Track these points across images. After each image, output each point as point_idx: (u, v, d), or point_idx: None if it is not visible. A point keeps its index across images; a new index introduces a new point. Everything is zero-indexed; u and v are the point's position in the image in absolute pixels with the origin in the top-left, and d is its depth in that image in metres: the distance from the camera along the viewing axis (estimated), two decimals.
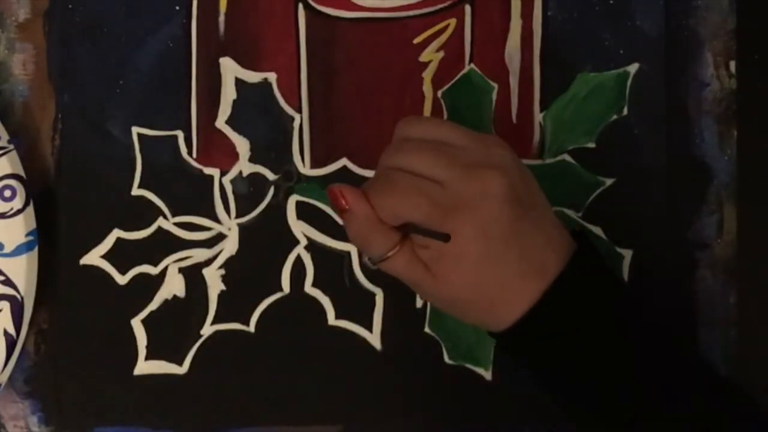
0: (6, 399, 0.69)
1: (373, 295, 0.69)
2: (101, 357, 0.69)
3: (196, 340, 0.69)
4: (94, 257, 0.69)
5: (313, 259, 0.69)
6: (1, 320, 0.67)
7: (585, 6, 0.69)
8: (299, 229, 0.69)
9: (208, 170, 0.69)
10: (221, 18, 0.69)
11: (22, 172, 0.67)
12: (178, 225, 0.69)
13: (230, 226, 0.69)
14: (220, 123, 0.69)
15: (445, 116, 0.69)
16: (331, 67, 0.69)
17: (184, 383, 0.69)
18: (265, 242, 0.69)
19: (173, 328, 0.69)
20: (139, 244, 0.69)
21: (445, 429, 0.69)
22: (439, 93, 0.69)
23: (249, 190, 0.69)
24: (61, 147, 0.69)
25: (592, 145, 0.69)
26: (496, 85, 0.69)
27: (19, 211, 0.67)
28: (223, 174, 0.69)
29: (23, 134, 0.69)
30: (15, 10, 0.69)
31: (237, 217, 0.69)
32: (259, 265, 0.69)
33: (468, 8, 0.69)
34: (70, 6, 0.69)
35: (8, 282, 0.67)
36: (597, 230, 0.69)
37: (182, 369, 0.69)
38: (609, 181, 0.69)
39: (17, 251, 0.67)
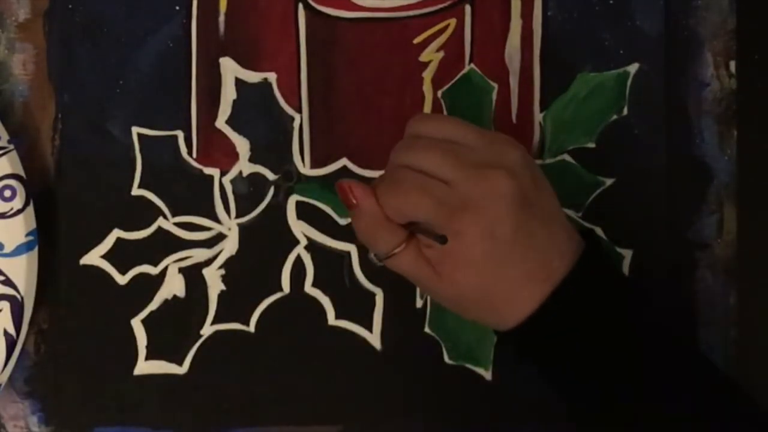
0: (6, 399, 0.69)
1: (373, 295, 0.69)
2: (101, 357, 0.69)
3: (196, 340, 0.69)
4: (94, 257, 0.69)
5: (313, 259, 0.69)
6: (1, 320, 0.67)
7: (585, 6, 0.69)
8: (299, 229, 0.69)
9: (208, 170, 0.69)
10: (221, 18, 0.69)
11: (22, 172, 0.67)
12: (178, 225, 0.69)
13: (230, 226, 0.69)
14: (220, 123, 0.69)
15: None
16: (331, 67, 0.69)
17: (184, 383, 0.69)
18: (265, 242, 0.69)
19: (173, 328, 0.69)
20: (139, 244, 0.69)
21: (445, 429, 0.69)
22: (439, 93, 0.69)
23: (249, 190, 0.69)
24: (61, 147, 0.69)
25: (592, 145, 0.69)
26: (496, 85, 0.69)
27: (19, 211, 0.67)
28: (223, 174, 0.69)
29: (23, 134, 0.69)
30: (15, 10, 0.69)
31: (237, 217, 0.69)
32: (259, 265, 0.69)
33: (468, 8, 0.69)
34: (70, 6, 0.69)
35: (8, 282, 0.67)
36: (597, 230, 0.69)
37: (182, 369, 0.69)
38: (609, 181, 0.69)
39: (17, 251, 0.67)
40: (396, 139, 0.66)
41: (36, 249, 0.67)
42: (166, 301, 0.69)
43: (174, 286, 0.69)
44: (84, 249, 0.69)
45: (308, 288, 0.69)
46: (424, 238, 0.58)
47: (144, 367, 0.69)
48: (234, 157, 0.69)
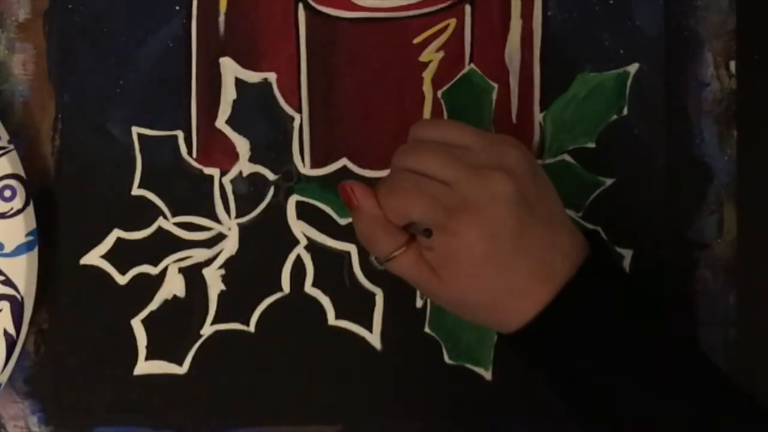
0: (6, 399, 0.69)
1: (373, 295, 0.69)
2: (101, 357, 0.69)
3: (196, 340, 0.69)
4: (94, 257, 0.69)
5: (313, 259, 0.69)
6: (1, 320, 0.67)
7: (585, 6, 0.69)
8: (299, 229, 0.69)
9: (208, 170, 0.69)
10: (221, 18, 0.69)
11: (22, 172, 0.67)
12: (178, 225, 0.69)
13: (230, 226, 0.69)
14: (220, 123, 0.69)
15: (445, 116, 0.69)
16: (331, 67, 0.69)
17: (184, 383, 0.69)
18: (265, 242, 0.69)
19: (173, 328, 0.69)
20: (139, 244, 0.69)
21: (445, 429, 0.69)
22: (439, 93, 0.69)
23: (249, 190, 0.69)
24: (61, 147, 0.69)
25: (592, 145, 0.69)
26: (496, 85, 0.69)
27: (19, 211, 0.67)
28: (223, 174, 0.69)
29: (23, 134, 0.69)
30: (15, 10, 0.69)
31: (237, 217, 0.69)
32: (259, 265, 0.69)
33: (468, 8, 0.69)
34: (70, 6, 0.69)
35: (8, 282, 0.67)
36: (597, 230, 0.69)
37: (182, 369, 0.69)
38: (609, 181, 0.69)
39: (17, 251, 0.67)
40: (396, 139, 0.67)
41: (36, 249, 0.67)
42: (166, 301, 0.69)
43: (174, 286, 0.69)
44: (84, 249, 0.69)
45: (308, 288, 0.69)
46: (426, 241, 0.58)
47: (144, 367, 0.69)
48: (234, 157, 0.69)
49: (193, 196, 0.69)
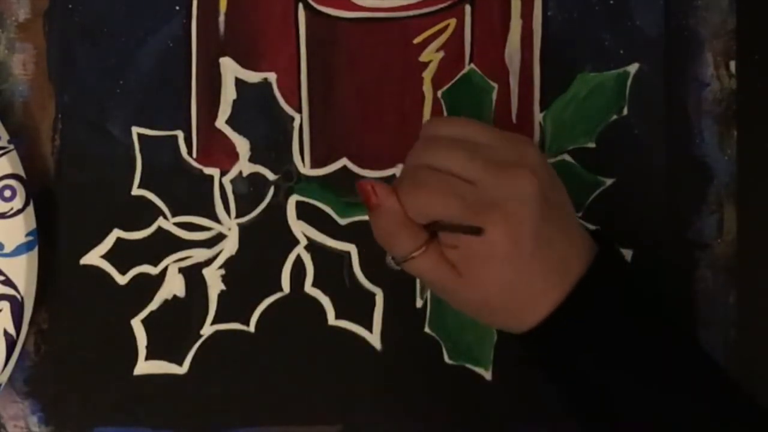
0: (6, 399, 0.69)
1: (373, 295, 0.69)
2: (101, 357, 0.69)
3: (196, 340, 0.69)
4: (94, 257, 0.69)
5: (313, 259, 0.69)
6: (1, 320, 0.67)
7: (585, 6, 0.69)
8: (299, 229, 0.69)
9: (208, 170, 0.69)
10: (221, 18, 0.69)
11: (22, 172, 0.67)
12: (178, 225, 0.69)
13: (230, 226, 0.69)
14: (220, 123, 0.69)
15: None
16: (331, 67, 0.69)
17: (184, 383, 0.69)
18: (265, 242, 0.69)
19: (173, 328, 0.69)
20: (139, 244, 0.69)
21: (445, 429, 0.69)
22: (439, 93, 0.69)
23: (249, 190, 0.69)
24: (61, 147, 0.69)
25: (592, 145, 0.69)
26: (496, 85, 0.69)
27: (19, 211, 0.67)
28: (223, 174, 0.69)
29: (23, 134, 0.69)
30: (15, 10, 0.69)
31: (237, 217, 0.69)
32: (259, 265, 0.69)
33: (468, 8, 0.69)
34: (70, 6, 0.69)
35: (8, 282, 0.67)
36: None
37: (182, 369, 0.69)
38: (609, 181, 0.69)
39: (17, 251, 0.67)
40: (396, 139, 0.67)
41: (36, 249, 0.67)
42: (166, 301, 0.69)
43: (174, 286, 0.69)
44: (84, 249, 0.69)
45: (308, 288, 0.69)
46: (450, 239, 0.57)
47: (144, 367, 0.69)
48: (234, 157, 0.69)
49: (193, 196, 0.69)
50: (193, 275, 0.69)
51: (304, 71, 0.69)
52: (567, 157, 0.69)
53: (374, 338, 0.69)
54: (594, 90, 0.69)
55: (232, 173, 0.69)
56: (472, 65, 0.69)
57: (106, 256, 0.69)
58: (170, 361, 0.69)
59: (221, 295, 0.69)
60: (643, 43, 0.69)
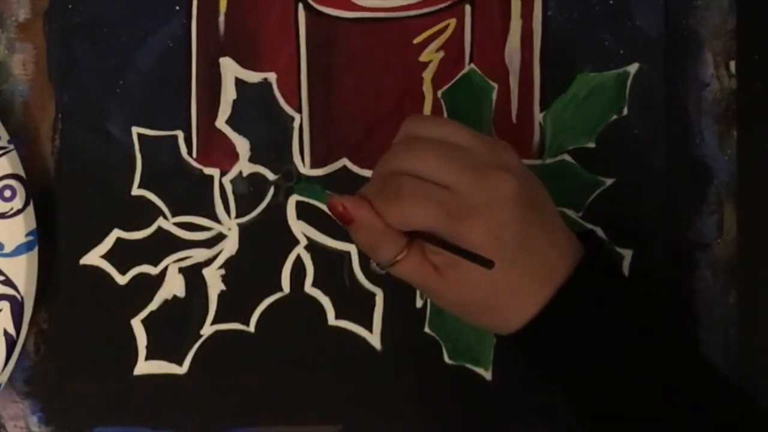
0: (6, 399, 0.69)
1: (373, 295, 0.69)
2: (101, 357, 0.69)
3: (196, 340, 0.69)
4: (94, 257, 0.69)
5: (313, 259, 0.69)
6: (1, 320, 0.67)
7: (585, 6, 0.69)
8: (299, 229, 0.69)
9: (208, 170, 0.69)
10: (221, 18, 0.69)
11: (22, 172, 0.67)
12: (178, 225, 0.69)
13: (230, 226, 0.69)
14: (220, 123, 0.69)
15: (445, 116, 0.69)
16: (331, 67, 0.69)
17: (184, 383, 0.69)
18: (265, 242, 0.69)
19: (173, 328, 0.69)
20: (139, 244, 0.69)
21: (445, 429, 0.69)
22: (439, 93, 0.69)
23: (249, 190, 0.69)
24: (61, 147, 0.69)
25: (592, 145, 0.69)
26: (496, 85, 0.69)
27: (19, 211, 0.67)
28: (223, 174, 0.69)
29: (23, 134, 0.69)
30: (15, 10, 0.69)
31: (237, 217, 0.69)
32: (259, 265, 0.69)
33: (468, 8, 0.69)
34: (70, 6, 0.69)
35: (8, 282, 0.67)
36: (597, 230, 0.69)
37: (182, 369, 0.69)
38: (609, 181, 0.69)
39: (17, 251, 0.67)
40: None
41: (36, 249, 0.67)
42: (166, 301, 0.69)
43: (174, 286, 0.69)
44: (84, 249, 0.69)
45: (308, 288, 0.69)
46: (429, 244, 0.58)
47: (144, 367, 0.69)
48: (234, 157, 0.69)
49: (193, 196, 0.69)
50: (193, 275, 0.69)
51: (304, 71, 0.69)
52: (567, 157, 0.69)
53: (374, 338, 0.69)
54: (594, 90, 0.69)
55: (232, 173, 0.69)
56: (472, 65, 0.69)
57: (106, 256, 0.69)
58: (170, 361, 0.69)
59: (221, 295, 0.69)
60: (643, 43, 0.69)
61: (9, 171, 0.67)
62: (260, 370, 0.69)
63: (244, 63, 0.69)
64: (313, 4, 0.69)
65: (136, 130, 0.69)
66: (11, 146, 0.67)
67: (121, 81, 0.69)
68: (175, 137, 0.69)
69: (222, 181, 0.69)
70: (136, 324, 0.69)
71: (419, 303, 0.69)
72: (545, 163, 0.69)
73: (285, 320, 0.69)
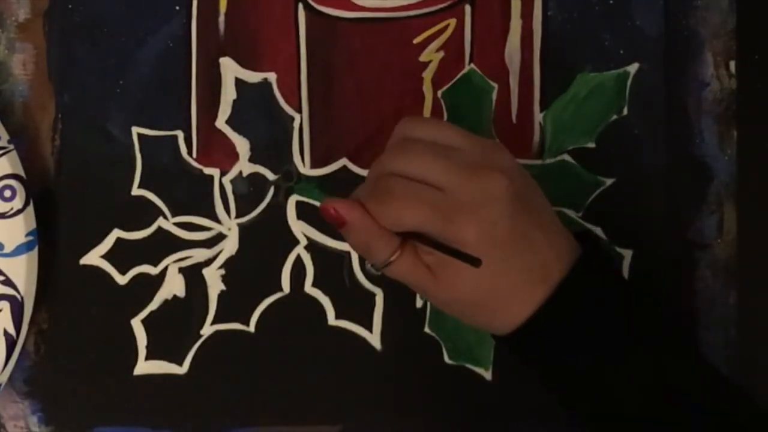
0: (6, 399, 0.69)
1: (373, 295, 0.69)
2: (101, 357, 0.69)
3: (196, 340, 0.69)
4: (94, 257, 0.69)
5: (313, 259, 0.69)
6: (1, 320, 0.67)
7: (585, 6, 0.69)
8: (299, 229, 0.69)
9: (208, 170, 0.69)
10: (221, 18, 0.69)
11: (22, 172, 0.67)
12: (178, 225, 0.69)
13: (230, 226, 0.69)
14: (220, 123, 0.69)
15: (445, 116, 0.69)
16: (331, 67, 0.69)
17: (184, 383, 0.69)
18: (265, 242, 0.69)
19: (173, 328, 0.69)
20: (139, 244, 0.69)
21: (445, 429, 0.69)
22: (439, 93, 0.69)
23: (249, 190, 0.69)
24: (61, 147, 0.69)
25: (592, 145, 0.69)
26: (496, 85, 0.69)
27: (19, 211, 0.67)
28: (223, 174, 0.69)
29: (23, 134, 0.69)
30: (15, 10, 0.69)
31: (237, 217, 0.69)
32: (259, 265, 0.69)
33: (468, 8, 0.69)
34: (70, 6, 0.69)
35: (8, 282, 0.67)
36: (597, 230, 0.69)
37: (182, 369, 0.69)
38: (609, 181, 0.69)
39: (17, 251, 0.67)
40: None
41: (36, 249, 0.67)
42: (166, 301, 0.69)
43: (174, 286, 0.69)
44: (84, 249, 0.69)
45: (308, 288, 0.69)
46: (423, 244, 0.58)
47: (144, 367, 0.69)
48: (234, 157, 0.69)
49: (193, 196, 0.69)
50: (193, 275, 0.69)
51: (304, 71, 0.69)
52: (567, 157, 0.69)
53: (374, 338, 0.69)
54: (594, 90, 0.69)
55: (232, 173, 0.69)
56: (472, 65, 0.69)
57: (106, 256, 0.69)
58: (170, 361, 0.69)
59: (221, 295, 0.69)
60: (643, 43, 0.69)
61: (9, 171, 0.67)
62: (260, 370, 0.69)
63: (244, 63, 0.69)
64: (313, 4, 0.69)
65: (136, 130, 0.69)
66: (11, 146, 0.67)
67: (121, 81, 0.69)
68: (175, 137, 0.69)
69: (222, 181, 0.69)
70: (136, 324, 0.69)
71: (419, 303, 0.69)
72: (545, 163, 0.69)
73: (285, 320, 0.69)
